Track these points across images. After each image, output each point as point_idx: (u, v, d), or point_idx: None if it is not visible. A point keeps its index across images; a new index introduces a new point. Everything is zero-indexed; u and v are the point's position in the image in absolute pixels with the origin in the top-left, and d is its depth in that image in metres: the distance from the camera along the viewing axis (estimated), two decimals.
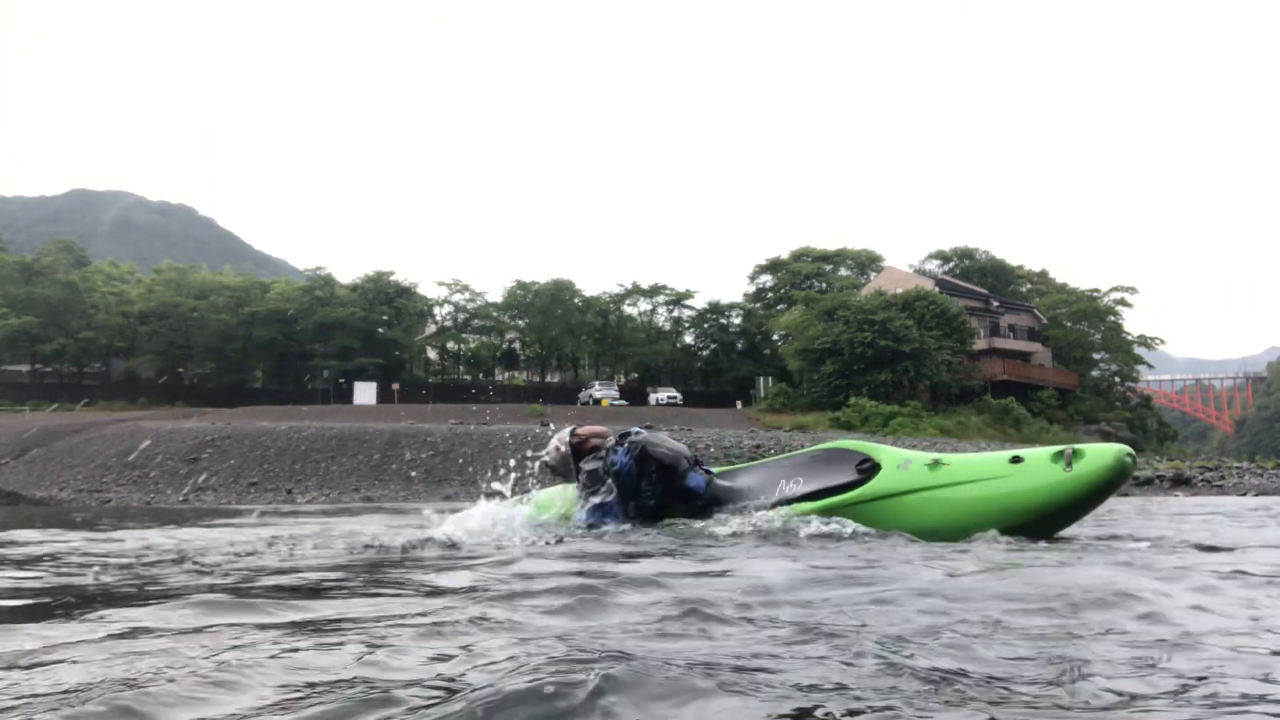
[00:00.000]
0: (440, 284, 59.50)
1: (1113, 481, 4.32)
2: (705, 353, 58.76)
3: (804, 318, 44.64)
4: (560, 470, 5.68)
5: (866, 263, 63.34)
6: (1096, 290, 57.74)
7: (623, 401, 44.60)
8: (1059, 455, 4.35)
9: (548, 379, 59.24)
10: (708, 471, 5.42)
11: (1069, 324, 55.08)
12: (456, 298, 58.06)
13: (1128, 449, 4.36)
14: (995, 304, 52.69)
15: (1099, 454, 4.30)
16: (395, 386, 45.99)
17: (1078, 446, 4.40)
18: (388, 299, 53.43)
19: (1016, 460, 4.46)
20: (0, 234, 74.06)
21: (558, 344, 56.45)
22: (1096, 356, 56.01)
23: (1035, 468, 4.42)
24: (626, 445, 5.20)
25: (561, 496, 5.87)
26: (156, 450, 26.22)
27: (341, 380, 48.29)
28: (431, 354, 60.02)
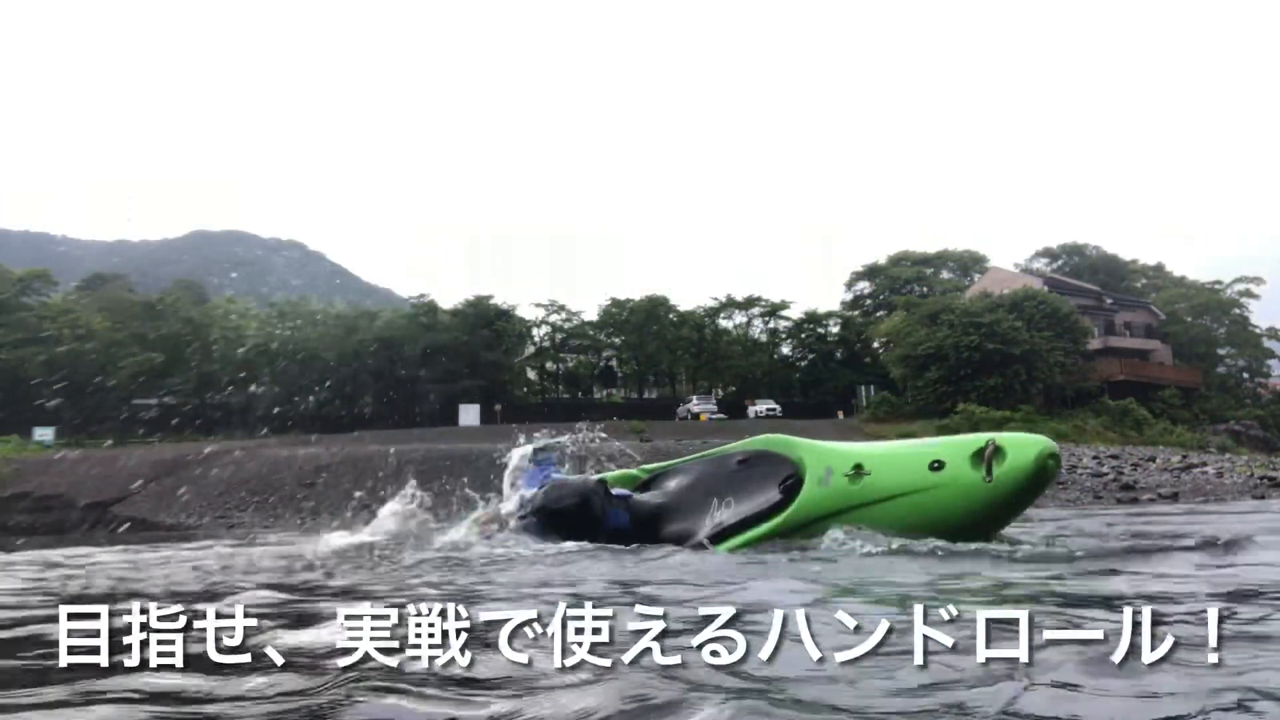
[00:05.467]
0: (537, 305, 60.58)
1: (1034, 486, 4.23)
2: (803, 363, 58.03)
3: (905, 323, 43.63)
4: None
5: (969, 264, 61.66)
6: (1219, 282, 54.86)
7: (721, 415, 44.33)
8: (979, 457, 4.22)
9: (645, 395, 59.43)
10: (625, 498, 5.11)
11: (1189, 319, 52.39)
12: (553, 318, 58.96)
13: (1051, 448, 4.22)
14: (1109, 301, 50.54)
15: (1020, 455, 4.17)
16: (497, 408, 46.92)
17: (1000, 441, 4.26)
18: (488, 322, 54.59)
19: (937, 466, 4.36)
20: (130, 276, 78.69)
21: (654, 360, 56.64)
22: (1221, 352, 53.11)
23: (956, 477, 4.31)
24: (529, 511, 4.90)
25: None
26: (275, 476, 27.30)
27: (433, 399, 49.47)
28: (531, 374, 61.04)
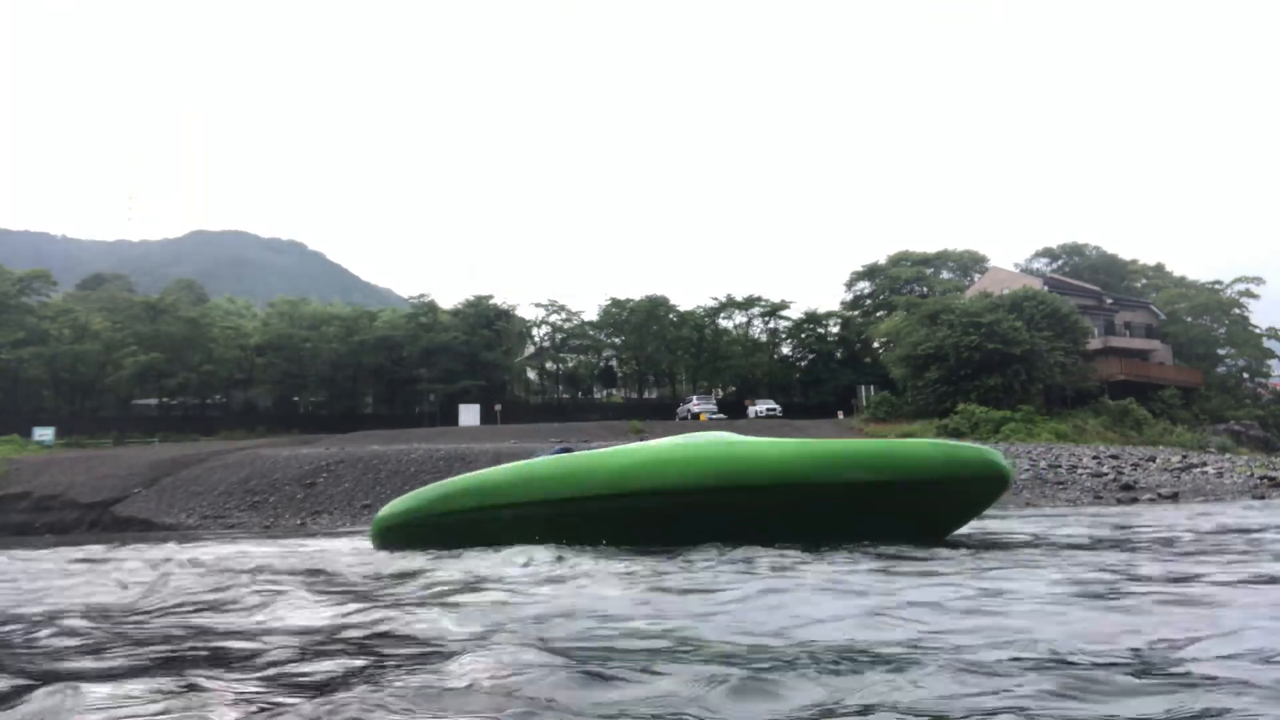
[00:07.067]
0: (537, 305, 60.54)
1: (977, 470, 5.12)
2: (803, 363, 58.02)
3: (905, 323, 43.62)
4: None
5: (970, 264, 61.70)
6: (1219, 282, 54.87)
7: (721, 415, 44.28)
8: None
9: (645, 395, 59.42)
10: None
11: (1189, 319, 52.38)
12: (553, 318, 58.94)
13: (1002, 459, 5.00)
14: (1109, 301, 50.53)
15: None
16: (497, 408, 46.88)
17: None
18: (488, 322, 54.57)
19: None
20: (130, 276, 78.74)
21: (654, 360, 56.62)
22: (1221, 352, 53.11)
23: None
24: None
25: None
26: (274, 476, 27.27)
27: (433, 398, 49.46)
28: (531, 374, 61.03)
